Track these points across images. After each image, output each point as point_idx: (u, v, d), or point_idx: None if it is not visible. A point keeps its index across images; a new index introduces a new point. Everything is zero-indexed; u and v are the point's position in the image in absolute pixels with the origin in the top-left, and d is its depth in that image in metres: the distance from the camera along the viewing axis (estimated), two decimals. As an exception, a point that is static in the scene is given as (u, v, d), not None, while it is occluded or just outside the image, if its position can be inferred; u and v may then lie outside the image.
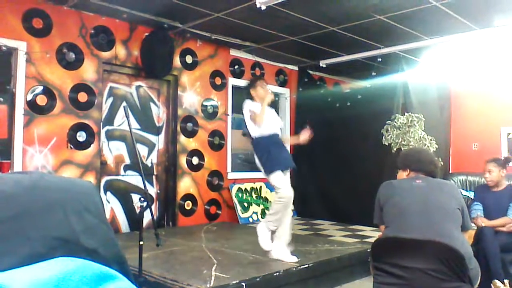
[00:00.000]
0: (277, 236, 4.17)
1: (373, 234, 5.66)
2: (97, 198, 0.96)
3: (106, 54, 5.56)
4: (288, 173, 4.37)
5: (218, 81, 6.80)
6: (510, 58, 7.06)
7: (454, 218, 2.50)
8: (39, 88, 5.00)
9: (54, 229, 0.84)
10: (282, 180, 4.18)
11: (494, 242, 3.66)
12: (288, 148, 4.69)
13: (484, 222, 3.93)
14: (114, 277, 0.81)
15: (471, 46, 6.43)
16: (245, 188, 7.07)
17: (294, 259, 4.10)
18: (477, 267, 2.47)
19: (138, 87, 6.04)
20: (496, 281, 3.41)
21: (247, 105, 4.34)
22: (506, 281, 3.45)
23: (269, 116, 4.37)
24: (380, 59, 6.89)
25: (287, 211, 4.21)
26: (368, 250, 2.57)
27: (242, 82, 7.17)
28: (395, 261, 2.36)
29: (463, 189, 7.00)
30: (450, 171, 7.84)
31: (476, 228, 3.79)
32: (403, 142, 6.10)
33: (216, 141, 6.72)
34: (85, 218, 0.89)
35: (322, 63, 7.57)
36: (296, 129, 8.10)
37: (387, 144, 6.32)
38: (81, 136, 5.29)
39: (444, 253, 2.25)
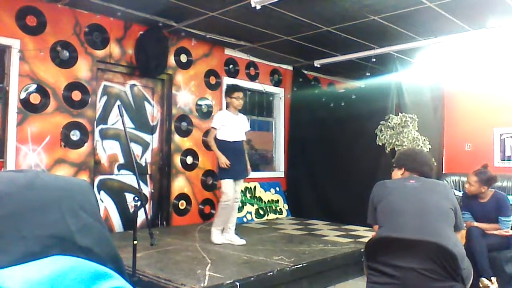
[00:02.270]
0: (230, 227, 5.02)
1: (366, 234, 5.68)
2: (93, 197, 0.96)
3: (100, 53, 5.53)
4: (241, 181, 5.09)
5: (212, 80, 6.80)
6: (502, 59, 7.11)
7: (447, 218, 2.52)
8: (33, 86, 4.97)
9: (49, 228, 0.84)
10: (229, 186, 4.88)
11: (481, 241, 3.69)
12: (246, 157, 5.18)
13: (475, 224, 3.96)
14: (109, 276, 0.81)
15: (465, 47, 6.47)
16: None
17: (243, 241, 4.91)
18: (469, 267, 2.49)
19: (132, 86, 6.02)
20: (484, 279, 3.44)
21: (217, 116, 5.07)
22: (493, 278, 3.48)
23: (234, 122, 5.00)
24: (374, 60, 6.92)
25: (233, 212, 5.03)
26: (362, 250, 2.58)
27: (236, 82, 7.19)
28: (388, 260, 2.37)
29: (456, 189, 7.04)
30: (443, 172, 7.88)
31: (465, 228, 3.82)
32: (396, 142, 6.12)
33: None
34: (81, 217, 0.89)
35: (317, 63, 7.58)
36: (290, 129, 8.13)
37: (381, 144, 6.34)
38: (75, 135, 5.27)
39: (437, 252, 2.26)
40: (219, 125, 4.94)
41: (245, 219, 6.86)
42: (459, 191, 6.32)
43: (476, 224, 3.95)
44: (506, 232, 3.88)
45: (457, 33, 5.82)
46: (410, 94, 6.80)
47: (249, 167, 5.16)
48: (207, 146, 6.69)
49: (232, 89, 5.11)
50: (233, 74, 7.16)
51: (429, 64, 7.35)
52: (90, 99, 5.39)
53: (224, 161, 4.83)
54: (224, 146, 4.90)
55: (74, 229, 0.87)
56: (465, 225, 3.63)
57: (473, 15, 5.26)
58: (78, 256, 0.81)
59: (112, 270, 0.82)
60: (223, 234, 5.01)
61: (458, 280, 2.26)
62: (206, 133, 6.67)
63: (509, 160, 7.58)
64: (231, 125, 4.97)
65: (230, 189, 4.87)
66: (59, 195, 0.90)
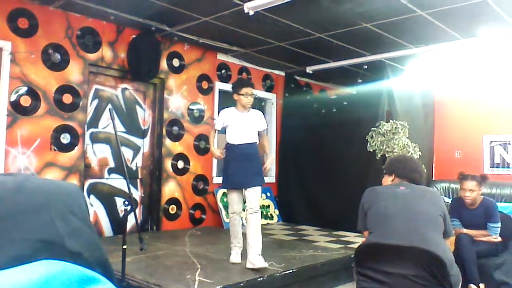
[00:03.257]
0: (249, 244, 4.14)
1: (357, 240, 5.69)
2: (82, 201, 0.95)
3: (92, 56, 5.52)
4: (251, 189, 4.26)
5: (205, 85, 6.80)
6: (493, 68, 7.19)
7: (437, 225, 2.53)
8: (23, 89, 4.94)
9: (38, 232, 0.83)
10: (231, 196, 4.34)
11: (470, 248, 3.71)
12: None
13: (464, 230, 3.98)
14: (97, 280, 0.80)
15: (455, 55, 6.54)
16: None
17: (264, 264, 3.99)
18: (458, 273, 2.50)
19: (124, 89, 6.00)
20: (472, 285, 3.46)
21: (219, 116, 4.52)
22: (482, 285, 3.50)
23: (240, 122, 4.33)
24: (366, 67, 6.96)
25: (248, 226, 4.23)
26: (352, 256, 2.59)
27: (229, 87, 7.19)
28: (378, 266, 2.39)
29: (446, 196, 7.09)
30: (433, 179, 7.93)
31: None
32: (387, 149, 6.16)
33: (202, 145, 6.71)
34: (70, 221, 0.89)
35: (309, 69, 7.62)
36: (282, 135, 8.14)
37: (371, 150, 6.37)
38: (65, 138, 5.23)
39: (426, 259, 2.28)
40: (220, 126, 4.42)
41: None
42: (449, 197, 6.36)
43: (465, 231, 3.97)
44: (494, 238, 3.91)
45: (448, 42, 5.88)
46: (401, 101, 6.85)
47: (268, 168, 4.42)
48: (199, 150, 6.69)
49: (239, 85, 4.42)
50: (225, 79, 7.16)
51: (420, 71, 7.41)
52: (81, 103, 5.37)
53: (217, 155, 4.44)
54: (229, 151, 4.36)
55: (64, 233, 0.86)
56: (454, 232, 3.65)
57: (464, 24, 5.32)
58: (67, 260, 0.81)
59: (101, 274, 0.82)
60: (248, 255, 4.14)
61: (447, 286, 2.27)
62: (199, 138, 6.68)
63: (498, 167, 7.65)
64: (236, 126, 4.32)
65: (232, 199, 4.32)
66: (49, 199, 0.89)
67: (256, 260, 3.96)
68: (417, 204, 2.59)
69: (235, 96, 4.36)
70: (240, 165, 4.26)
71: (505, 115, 7.47)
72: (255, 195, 4.26)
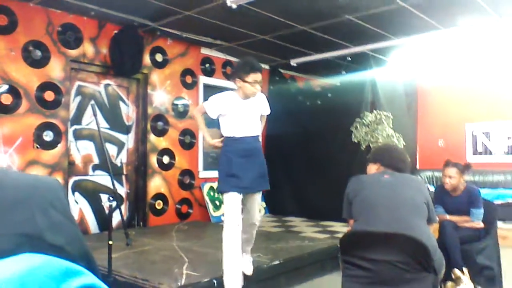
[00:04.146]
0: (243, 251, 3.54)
1: (343, 229, 5.75)
2: (63, 195, 0.95)
3: (73, 52, 5.45)
4: (254, 196, 3.55)
5: (189, 79, 6.77)
6: (473, 57, 7.29)
7: (420, 212, 2.57)
8: (4, 87, 4.86)
9: (19, 226, 0.83)
10: (230, 202, 3.39)
11: (453, 234, 3.77)
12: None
13: (448, 217, 4.04)
14: (80, 273, 0.81)
15: (437, 45, 6.60)
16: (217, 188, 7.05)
17: (249, 272, 3.57)
18: (441, 259, 2.55)
19: (106, 85, 5.95)
20: (456, 270, 3.53)
21: (213, 101, 3.55)
22: (465, 269, 3.57)
23: (243, 110, 3.52)
24: (349, 58, 7.00)
25: (250, 236, 3.60)
26: (338, 245, 2.63)
27: (213, 81, 7.18)
28: (363, 254, 2.42)
29: (430, 184, 7.19)
30: (417, 168, 8.04)
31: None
32: (371, 139, 6.22)
33: (187, 140, 6.69)
34: (51, 215, 0.89)
35: (293, 62, 7.63)
36: (267, 128, 8.13)
37: (356, 141, 6.43)
38: (48, 136, 5.18)
39: (411, 245, 2.32)
40: (215, 114, 3.52)
41: (222, 218, 6.84)
42: (433, 186, 6.45)
43: (448, 217, 4.03)
44: (477, 224, 3.98)
45: (430, 32, 5.94)
46: (384, 92, 6.91)
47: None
48: (184, 145, 6.66)
49: (247, 69, 3.43)
50: (209, 73, 7.14)
51: (403, 62, 7.48)
52: (63, 99, 5.31)
53: (212, 143, 3.58)
54: (229, 146, 3.48)
55: (45, 227, 0.86)
56: (437, 218, 3.71)
57: (445, 14, 5.38)
58: (49, 254, 0.81)
59: (84, 267, 0.82)
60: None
61: (431, 271, 2.32)
62: (184, 133, 6.66)
63: (481, 154, 7.78)
64: (238, 115, 3.49)
65: (232, 207, 3.36)
66: (29, 193, 0.89)
67: (250, 268, 3.60)
68: (401, 192, 2.63)
69: (238, 82, 3.46)
70: (246, 164, 3.44)
71: (486, 103, 7.58)
72: (257, 202, 3.56)
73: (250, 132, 3.52)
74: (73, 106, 5.58)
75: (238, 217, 3.38)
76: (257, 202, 3.58)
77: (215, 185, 7.00)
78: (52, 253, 0.82)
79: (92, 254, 0.94)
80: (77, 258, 0.87)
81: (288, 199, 7.59)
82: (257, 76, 3.44)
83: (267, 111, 3.76)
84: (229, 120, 3.50)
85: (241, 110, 3.49)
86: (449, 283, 3.50)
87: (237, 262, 3.34)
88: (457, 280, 3.49)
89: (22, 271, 0.73)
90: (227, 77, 7.31)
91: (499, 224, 4.51)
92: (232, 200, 3.38)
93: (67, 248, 0.87)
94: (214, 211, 6.83)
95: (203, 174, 6.95)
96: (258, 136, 3.62)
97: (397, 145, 5.50)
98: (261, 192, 3.63)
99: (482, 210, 4.00)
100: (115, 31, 5.77)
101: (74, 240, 0.91)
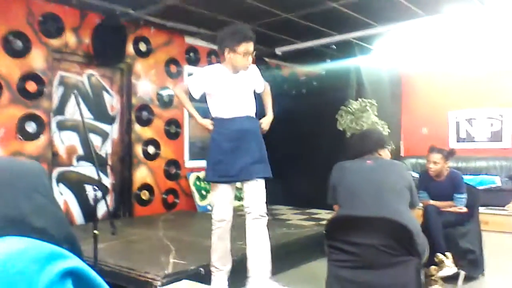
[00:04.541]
0: (254, 264, 3.13)
1: (328, 216, 5.78)
2: (45, 179, 0.95)
3: (55, 42, 5.37)
4: (251, 184, 3.12)
5: (173, 69, 6.72)
6: (456, 44, 7.35)
7: (403, 196, 2.61)
8: (-16, 77, 4.78)
9: (2, 209, 0.83)
10: (219, 194, 3.09)
11: (437, 219, 3.84)
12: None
13: (431, 202, 4.11)
14: (64, 256, 0.80)
15: (421, 33, 6.64)
16: (203, 176, 7.05)
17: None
18: (424, 242, 2.59)
19: (89, 75, 5.88)
20: (439, 254, 3.59)
21: (197, 75, 3.20)
22: (448, 253, 3.63)
23: (232, 86, 3.11)
24: (334, 47, 7.01)
25: (256, 234, 3.14)
26: (324, 232, 2.65)
27: (198, 70, 7.13)
28: (347, 238, 2.45)
29: (414, 171, 7.27)
30: (402, 155, 8.12)
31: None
32: (356, 127, 6.26)
33: (173, 130, 6.66)
34: (34, 198, 0.88)
35: (278, 51, 7.61)
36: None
37: (341, 129, 6.46)
38: (31, 127, 5.11)
39: (394, 229, 2.35)
40: (198, 92, 3.10)
41: (209, 207, 6.87)
42: (417, 173, 6.53)
43: (432, 202, 4.10)
44: (460, 209, 4.05)
45: (414, 19, 5.96)
46: (369, 79, 6.96)
47: (264, 128, 3.33)
48: (170, 135, 6.63)
49: (238, 37, 3.07)
50: (194, 62, 7.09)
51: (387, 50, 7.52)
52: (46, 90, 5.24)
53: (201, 122, 3.15)
54: (218, 128, 3.10)
55: (28, 210, 0.86)
56: (421, 204, 3.76)
57: (429, 2, 5.41)
58: (33, 237, 0.80)
59: (68, 251, 0.82)
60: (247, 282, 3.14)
61: (414, 255, 2.36)
62: (169, 122, 6.62)
63: (464, 141, 7.89)
64: (227, 92, 3.09)
65: (221, 198, 3.09)
66: (11, 177, 0.89)
67: (268, 286, 3.02)
68: (384, 177, 2.66)
69: (228, 53, 3.07)
70: (235, 148, 3.05)
71: (469, 90, 7.68)
72: (258, 192, 3.10)
73: (242, 111, 3.10)
74: (56, 97, 5.51)
75: (226, 211, 3.08)
76: (260, 190, 3.11)
77: (201, 174, 6.99)
78: (36, 236, 0.82)
79: (76, 237, 0.94)
80: (61, 241, 0.87)
81: (275, 187, 7.55)
82: (250, 46, 3.07)
83: (261, 85, 3.36)
84: (217, 98, 3.08)
85: (230, 86, 3.08)
86: (433, 267, 3.56)
87: (224, 257, 3.20)
88: (440, 264, 3.55)
89: (5, 254, 0.73)
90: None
91: (481, 209, 4.59)
92: (219, 191, 3.07)
93: (51, 231, 0.87)
94: (201, 201, 6.83)
95: (189, 164, 6.94)
96: (251, 116, 3.19)
97: (367, 130, 5.40)
98: (262, 180, 3.15)
99: (465, 195, 4.07)
100: (98, 21, 5.69)
101: (58, 223, 0.90)
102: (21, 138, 5.02)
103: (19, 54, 5.04)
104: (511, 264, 4.44)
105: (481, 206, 4.68)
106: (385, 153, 2.96)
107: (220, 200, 3.07)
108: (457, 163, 7.07)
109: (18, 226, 0.83)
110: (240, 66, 3.09)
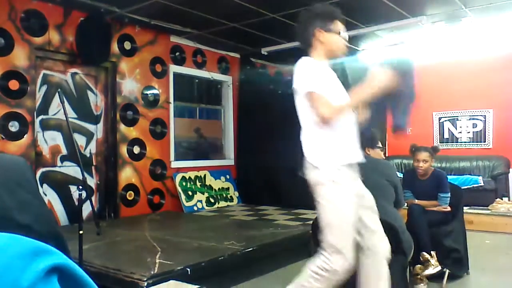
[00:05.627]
0: None
1: (315, 216, 5.81)
2: (30, 174, 0.93)
3: (38, 40, 5.29)
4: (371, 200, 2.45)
5: (158, 68, 6.68)
6: (441, 46, 7.43)
7: (387, 195, 2.63)
8: (-35, 75, 4.69)
9: (-16, 205, 0.80)
10: (343, 221, 2.27)
11: (421, 217, 3.86)
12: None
13: (416, 201, 4.14)
14: (49, 252, 0.79)
15: (406, 34, 6.70)
16: (189, 177, 7.02)
17: None
18: (410, 240, 2.62)
19: (73, 74, 5.81)
20: (424, 253, 3.62)
21: (310, 71, 2.50)
22: (433, 252, 3.66)
23: (337, 83, 2.60)
24: (319, 47, 7.02)
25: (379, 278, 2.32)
26: (310, 232, 2.64)
27: (184, 70, 7.11)
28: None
29: (398, 171, 7.33)
30: (387, 155, 8.18)
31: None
32: (342, 127, 6.28)
33: (158, 130, 6.61)
34: (18, 194, 0.86)
35: (264, 51, 7.61)
36: (239, 117, 8.14)
37: (327, 129, 6.48)
38: (14, 126, 5.03)
39: (380, 227, 2.36)
40: (320, 88, 2.42)
41: (195, 208, 6.84)
42: (401, 173, 6.58)
43: (416, 201, 4.13)
44: (444, 208, 4.09)
45: (399, 21, 6.01)
46: (354, 80, 6.98)
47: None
48: (155, 135, 6.56)
49: (329, 14, 2.45)
50: (179, 62, 7.06)
51: (373, 51, 7.57)
52: (28, 89, 5.16)
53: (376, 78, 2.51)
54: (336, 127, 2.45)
55: (12, 206, 0.84)
56: (406, 203, 3.79)
57: (414, 4, 5.46)
58: (17, 233, 0.78)
59: (53, 247, 0.80)
60: None
61: (400, 253, 2.37)
62: (155, 122, 6.55)
63: (447, 142, 7.98)
64: (336, 89, 2.55)
65: (343, 234, 2.26)
66: (-6, 172, 0.87)
67: None
68: (369, 176, 2.67)
69: (321, 36, 2.43)
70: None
71: (453, 92, 7.77)
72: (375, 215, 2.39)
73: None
74: (39, 96, 5.43)
75: (350, 253, 2.26)
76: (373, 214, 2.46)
77: (187, 175, 6.96)
78: (20, 232, 0.79)
79: (61, 233, 0.92)
80: (46, 237, 0.85)
81: (261, 188, 7.62)
82: (343, 24, 2.45)
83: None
84: (328, 93, 2.42)
85: (335, 81, 2.53)
86: (418, 266, 3.59)
87: None
88: (425, 263, 3.58)
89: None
90: (198, 66, 7.22)
91: (465, 209, 4.64)
92: (341, 212, 2.35)
93: (36, 227, 0.85)
94: (187, 201, 6.80)
95: (175, 164, 6.90)
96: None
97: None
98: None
99: (449, 195, 4.11)
100: (81, 18, 5.62)
101: (42, 219, 0.88)
102: (4, 137, 4.94)
103: (1, 52, 4.96)
104: (496, 263, 4.49)
105: (465, 206, 4.74)
106: (375, 153, 2.97)
107: (351, 218, 2.24)
108: (440, 163, 7.15)
109: (2, 222, 0.81)
110: (340, 48, 2.50)
